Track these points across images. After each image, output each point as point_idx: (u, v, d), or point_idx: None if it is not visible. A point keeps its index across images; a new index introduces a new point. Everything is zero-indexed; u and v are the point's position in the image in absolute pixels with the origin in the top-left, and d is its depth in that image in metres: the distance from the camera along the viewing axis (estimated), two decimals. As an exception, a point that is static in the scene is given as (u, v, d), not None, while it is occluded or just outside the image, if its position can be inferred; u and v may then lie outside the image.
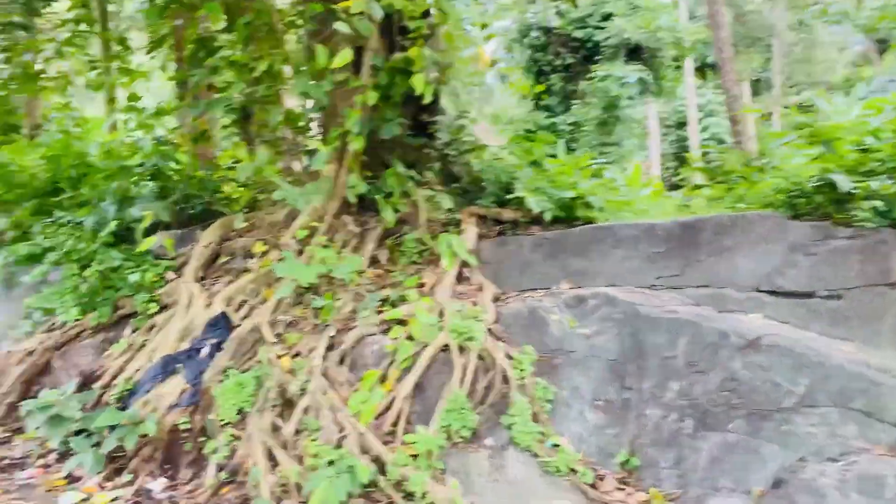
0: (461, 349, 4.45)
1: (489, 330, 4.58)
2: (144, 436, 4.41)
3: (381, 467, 3.99)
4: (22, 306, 6.19)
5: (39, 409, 4.43)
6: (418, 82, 4.81)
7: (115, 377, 5.24)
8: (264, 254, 5.35)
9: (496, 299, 4.97)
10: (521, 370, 4.39)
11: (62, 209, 6.14)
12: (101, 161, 6.56)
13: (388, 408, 4.36)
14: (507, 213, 5.57)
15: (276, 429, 4.33)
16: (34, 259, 5.49)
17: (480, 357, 4.46)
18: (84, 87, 8.39)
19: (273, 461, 4.14)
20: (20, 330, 5.98)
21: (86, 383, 5.46)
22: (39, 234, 5.65)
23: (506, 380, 4.38)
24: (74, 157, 6.61)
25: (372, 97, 5.01)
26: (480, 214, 5.64)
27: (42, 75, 7.19)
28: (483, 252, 5.32)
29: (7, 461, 4.88)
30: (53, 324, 5.81)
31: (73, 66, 8.02)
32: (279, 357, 4.62)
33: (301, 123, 6.13)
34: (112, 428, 4.45)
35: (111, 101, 7.60)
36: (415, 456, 4.06)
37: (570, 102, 19.56)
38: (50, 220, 5.88)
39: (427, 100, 4.99)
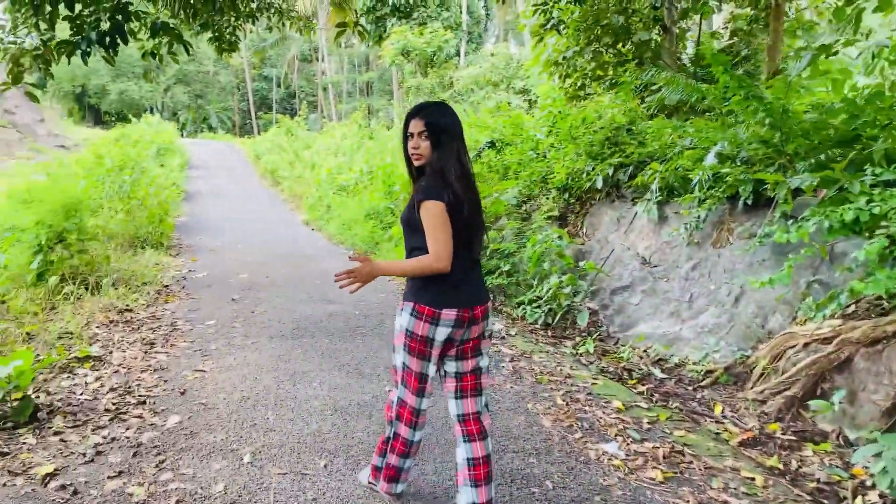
0: None
1: None
2: None
3: None
4: (800, 277, 5.19)
5: (890, 444, 3.17)
6: None
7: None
8: None
9: None
10: None
11: (872, 164, 4.80)
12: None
13: None
14: None
15: None
16: (853, 227, 4.28)
17: None
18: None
19: None
20: (800, 308, 4.98)
21: (905, 400, 4.08)
22: (859, 195, 4.39)
23: None
24: (880, 99, 5.16)
25: None
26: None
27: None
28: None
29: (813, 483, 3.88)
30: (853, 310, 4.59)
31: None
32: None
33: None
34: None
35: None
36: None
37: None
38: (867, 177, 4.58)
39: None
